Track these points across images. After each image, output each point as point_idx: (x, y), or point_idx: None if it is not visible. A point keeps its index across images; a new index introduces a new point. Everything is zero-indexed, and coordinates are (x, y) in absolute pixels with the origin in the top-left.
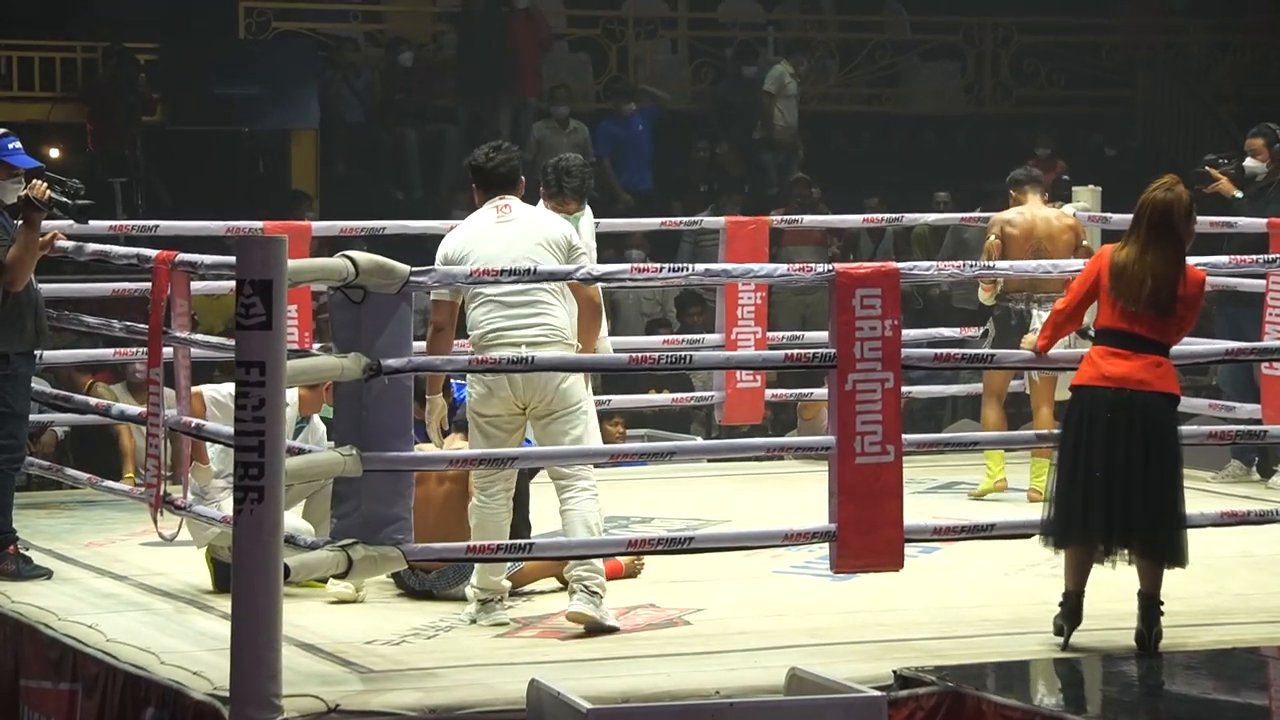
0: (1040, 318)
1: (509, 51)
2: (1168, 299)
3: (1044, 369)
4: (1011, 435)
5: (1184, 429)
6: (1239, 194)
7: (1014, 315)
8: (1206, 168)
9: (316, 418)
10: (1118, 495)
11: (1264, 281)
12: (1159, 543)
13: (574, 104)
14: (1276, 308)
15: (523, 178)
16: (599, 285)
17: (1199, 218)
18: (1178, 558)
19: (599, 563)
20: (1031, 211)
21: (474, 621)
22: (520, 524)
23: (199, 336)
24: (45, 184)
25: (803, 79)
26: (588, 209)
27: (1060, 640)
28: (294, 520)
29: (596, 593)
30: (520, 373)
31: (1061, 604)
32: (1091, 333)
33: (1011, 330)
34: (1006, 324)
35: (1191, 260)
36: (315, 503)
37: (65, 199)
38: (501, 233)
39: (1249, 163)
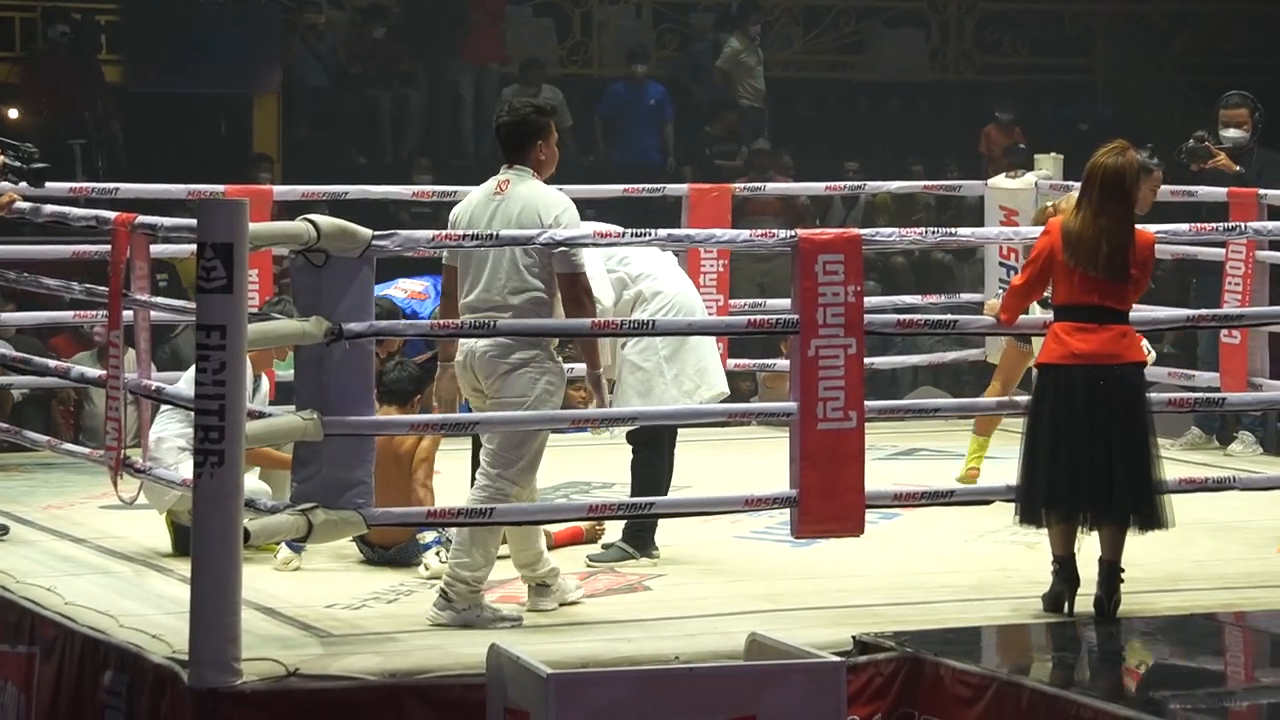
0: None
1: (464, 16)
2: (1122, 262)
3: (1006, 334)
4: (971, 402)
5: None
6: (1239, 169)
7: None
8: (1206, 144)
9: (264, 377)
10: (1101, 469)
11: (1223, 250)
12: (1142, 510)
13: (537, 69)
14: (1235, 276)
15: (540, 142)
16: (585, 285)
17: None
18: (1162, 521)
19: (467, 567)
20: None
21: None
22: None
23: (159, 299)
24: None
25: (758, 43)
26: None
27: (1061, 612)
28: (253, 483)
29: (453, 600)
30: (470, 340)
31: (1055, 571)
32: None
33: None
34: None
35: (1152, 228)
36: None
37: (19, 163)
38: (491, 211)
39: (1233, 133)
